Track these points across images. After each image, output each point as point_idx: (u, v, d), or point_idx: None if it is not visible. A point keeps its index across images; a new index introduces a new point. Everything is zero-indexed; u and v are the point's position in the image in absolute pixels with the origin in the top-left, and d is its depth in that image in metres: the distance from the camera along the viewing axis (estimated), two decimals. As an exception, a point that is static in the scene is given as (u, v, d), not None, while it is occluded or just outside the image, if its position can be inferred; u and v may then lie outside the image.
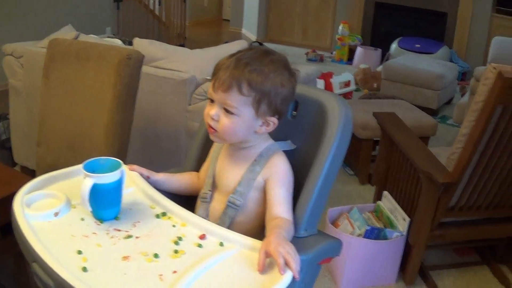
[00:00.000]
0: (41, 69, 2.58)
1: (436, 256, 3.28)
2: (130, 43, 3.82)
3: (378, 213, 3.08)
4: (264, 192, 1.58)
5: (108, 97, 2.31)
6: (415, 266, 2.96)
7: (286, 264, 1.25)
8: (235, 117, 1.49)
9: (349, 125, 1.58)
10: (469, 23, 7.93)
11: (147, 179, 1.68)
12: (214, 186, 1.67)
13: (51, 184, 1.62)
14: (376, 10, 8.72)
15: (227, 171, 1.64)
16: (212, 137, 1.59)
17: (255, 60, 1.49)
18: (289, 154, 1.63)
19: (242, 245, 1.39)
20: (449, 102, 6.56)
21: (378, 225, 2.98)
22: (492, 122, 2.48)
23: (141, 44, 3.13)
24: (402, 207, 2.97)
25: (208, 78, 2.97)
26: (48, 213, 1.45)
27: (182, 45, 7.75)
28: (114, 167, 1.46)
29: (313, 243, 1.50)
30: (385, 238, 2.88)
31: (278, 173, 1.57)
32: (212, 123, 1.53)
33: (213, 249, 1.37)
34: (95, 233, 1.40)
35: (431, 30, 8.27)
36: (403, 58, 6.74)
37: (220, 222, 1.59)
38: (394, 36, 8.18)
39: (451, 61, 7.58)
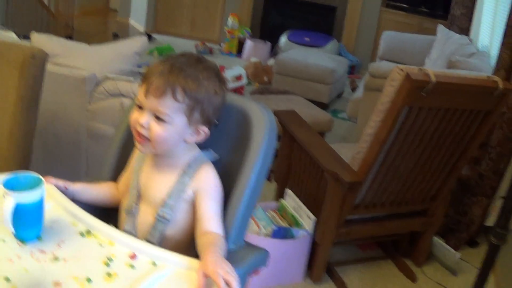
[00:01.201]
0: None
1: (340, 252, 3.32)
2: (25, 37, 3.59)
3: (281, 211, 3.07)
4: (192, 204, 1.53)
5: (10, 99, 2.17)
6: (322, 264, 2.98)
7: (227, 284, 1.20)
8: (167, 125, 1.44)
9: (274, 134, 1.55)
10: (359, 17, 8.12)
11: (65, 190, 1.59)
12: (139, 198, 1.59)
13: None
14: (265, 2, 8.73)
15: (154, 182, 1.57)
16: (140, 147, 1.50)
17: (189, 66, 1.45)
18: (213, 164, 1.57)
19: (176, 264, 1.33)
20: (339, 96, 6.68)
21: (282, 223, 2.98)
22: (398, 122, 2.52)
23: (39, 40, 2.96)
24: (306, 205, 2.98)
25: (110, 76, 2.82)
26: None
27: (70, 37, 7.45)
28: (34, 184, 1.37)
29: (244, 256, 1.48)
30: (291, 237, 2.87)
31: (208, 185, 1.52)
32: (142, 131, 1.46)
33: (147, 269, 1.31)
34: (19, 256, 1.30)
35: (320, 23, 8.39)
36: (294, 52, 6.79)
37: (150, 236, 1.52)
38: (283, 29, 8.24)
39: (339, 54, 7.73)
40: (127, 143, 1.71)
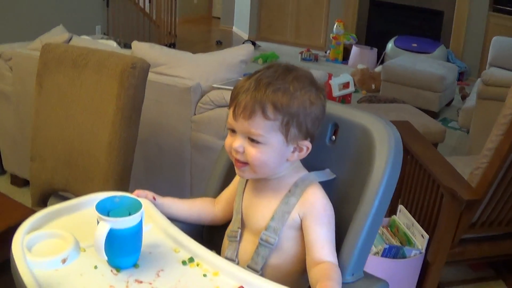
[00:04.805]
0: (32, 74, 2.37)
1: (450, 271, 3.14)
2: (126, 45, 3.62)
3: (393, 228, 2.91)
4: (301, 230, 1.38)
5: (110, 109, 2.09)
6: (433, 284, 2.81)
7: None
8: (262, 146, 1.30)
9: (400, 154, 1.38)
10: (466, 22, 7.80)
11: (153, 201, 1.48)
12: (242, 224, 1.47)
13: (54, 220, 1.39)
14: (370, 8, 8.57)
15: (257, 207, 1.43)
16: (240, 173, 1.38)
17: (277, 78, 1.30)
18: (326, 184, 1.43)
19: None
20: (449, 104, 6.42)
21: (393, 241, 2.83)
22: (521, 135, 2.35)
23: (140, 48, 2.91)
24: (418, 222, 2.80)
25: (215, 85, 2.76)
26: (55, 259, 1.22)
27: (173, 44, 7.56)
28: (132, 207, 1.24)
29: None
30: (403, 256, 2.71)
31: (317, 209, 1.37)
32: (238, 156, 1.34)
33: None
34: (112, 286, 1.18)
35: (427, 29, 8.14)
36: (402, 58, 6.60)
37: (252, 262, 1.38)
38: (389, 35, 8.04)
39: (448, 60, 7.46)
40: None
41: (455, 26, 7.91)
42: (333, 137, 1.47)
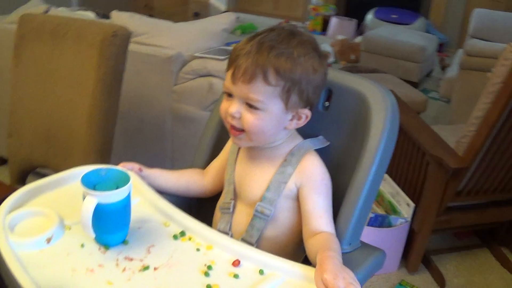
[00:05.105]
0: (9, 48, 2.26)
1: (436, 240, 3.16)
2: (104, 16, 3.51)
3: (378, 197, 2.90)
4: (297, 200, 1.33)
5: (90, 81, 2.00)
6: (419, 253, 2.83)
7: None
8: (261, 112, 1.23)
9: (396, 120, 1.33)
10: (446, -6, 7.77)
11: (140, 172, 1.42)
12: (235, 195, 1.41)
13: (36, 197, 1.32)
14: (350, -21, 8.47)
15: (252, 177, 1.37)
16: (235, 141, 1.32)
17: (280, 42, 1.22)
18: (320, 152, 1.37)
19: (287, 273, 1.12)
20: (428, 74, 6.41)
21: (378, 210, 2.83)
22: (509, 104, 2.33)
23: (120, 18, 2.82)
24: (403, 190, 2.81)
25: (198, 54, 2.69)
26: (39, 239, 1.15)
27: (150, 16, 7.42)
28: (119, 180, 1.17)
29: (361, 260, 1.28)
30: (389, 225, 2.71)
31: (314, 178, 1.31)
32: (234, 122, 1.27)
33: (253, 279, 1.11)
34: (101, 264, 1.11)
35: (406, 0, 8.08)
36: (383, 29, 6.54)
37: (247, 235, 1.33)
38: (368, 7, 7.96)
39: (427, 32, 7.43)
40: (223, 129, 1.53)
41: (435, -3, 7.89)
42: (327, 103, 1.41)
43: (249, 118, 1.24)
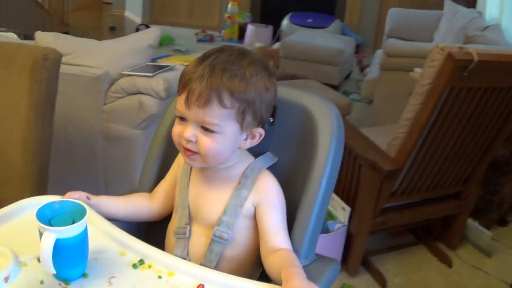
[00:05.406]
0: None
1: (372, 241, 3.18)
2: (27, 37, 3.42)
3: (313, 204, 2.92)
4: (254, 219, 1.33)
5: (22, 106, 1.94)
6: (358, 256, 2.87)
7: None
8: (217, 135, 1.22)
9: (342, 132, 1.35)
10: (360, -5, 7.96)
11: (88, 201, 1.36)
12: (190, 218, 1.38)
13: None
14: (264, -14, 8.54)
15: (207, 200, 1.35)
16: (189, 162, 1.29)
17: (232, 63, 1.22)
18: (270, 168, 1.38)
19: None
20: (348, 76, 6.53)
21: (314, 217, 2.83)
22: (438, 104, 2.40)
23: (45, 38, 2.73)
24: (338, 195, 2.85)
25: (125, 72, 2.65)
26: None
27: (66, 33, 7.25)
28: (75, 213, 1.14)
29: (319, 272, 1.29)
30: (327, 230, 2.73)
31: (270, 196, 1.32)
32: (189, 146, 1.25)
33: None
34: None
35: (321, 4, 8.23)
36: (300, 34, 6.62)
37: (205, 261, 1.31)
38: (284, 12, 8.06)
39: (343, 34, 7.58)
40: (168, 150, 1.51)
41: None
42: (271, 118, 1.41)
43: (206, 142, 1.23)
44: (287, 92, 1.41)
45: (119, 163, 2.78)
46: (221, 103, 1.19)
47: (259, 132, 1.30)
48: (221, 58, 1.22)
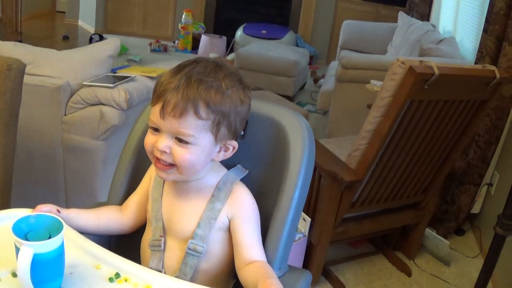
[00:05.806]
0: None
1: (331, 251, 3.20)
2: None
3: (273, 215, 2.93)
4: (228, 232, 1.33)
5: (-16, 117, 1.91)
6: (319, 265, 2.88)
7: None
8: (192, 146, 1.22)
9: (313, 144, 1.38)
10: (315, 7, 8.03)
11: (58, 214, 1.33)
12: (164, 231, 1.38)
13: None
14: (218, -3, 8.57)
15: (181, 212, 1.35)
16: (162, 175, 1.29)
17: (208, 75, 1.22)
18: (242, 181, 1.39)
19: None
20: (302, 88, 6.58)
21: (274, 228, 2.84)
22: (398, 116, 2.44)
23: (3, 48, 2.68)
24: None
25: (86, 83, 2.62)
26: None
27: (19, 42, 7.12)
28: (50, 226, 1.12)
29: (293, 283, 1.32)
30: (287, 242, 2.74)
31: (245, 208, 1.32)
32: (163, 157, 1.24)
33: None
34: None
35: (275, 15, 8.30)
36: (255, 45, 6.66)
37: (180, 273, 1.31)
38: (237, 23, 8.11)
39: (297, 45, 7.65)
40: (139, 161, 1.51)
41: (304, 11, 8.13)
42: (241, 131, 1.41)
43: (181, 153, 1.22)
44: (257, 105, 1.42)
45: (80, 174, 2.75)
46: (197, 114, 1.19)
47: (233, 144, 1.31)
48: (197, 69, 1.23)
